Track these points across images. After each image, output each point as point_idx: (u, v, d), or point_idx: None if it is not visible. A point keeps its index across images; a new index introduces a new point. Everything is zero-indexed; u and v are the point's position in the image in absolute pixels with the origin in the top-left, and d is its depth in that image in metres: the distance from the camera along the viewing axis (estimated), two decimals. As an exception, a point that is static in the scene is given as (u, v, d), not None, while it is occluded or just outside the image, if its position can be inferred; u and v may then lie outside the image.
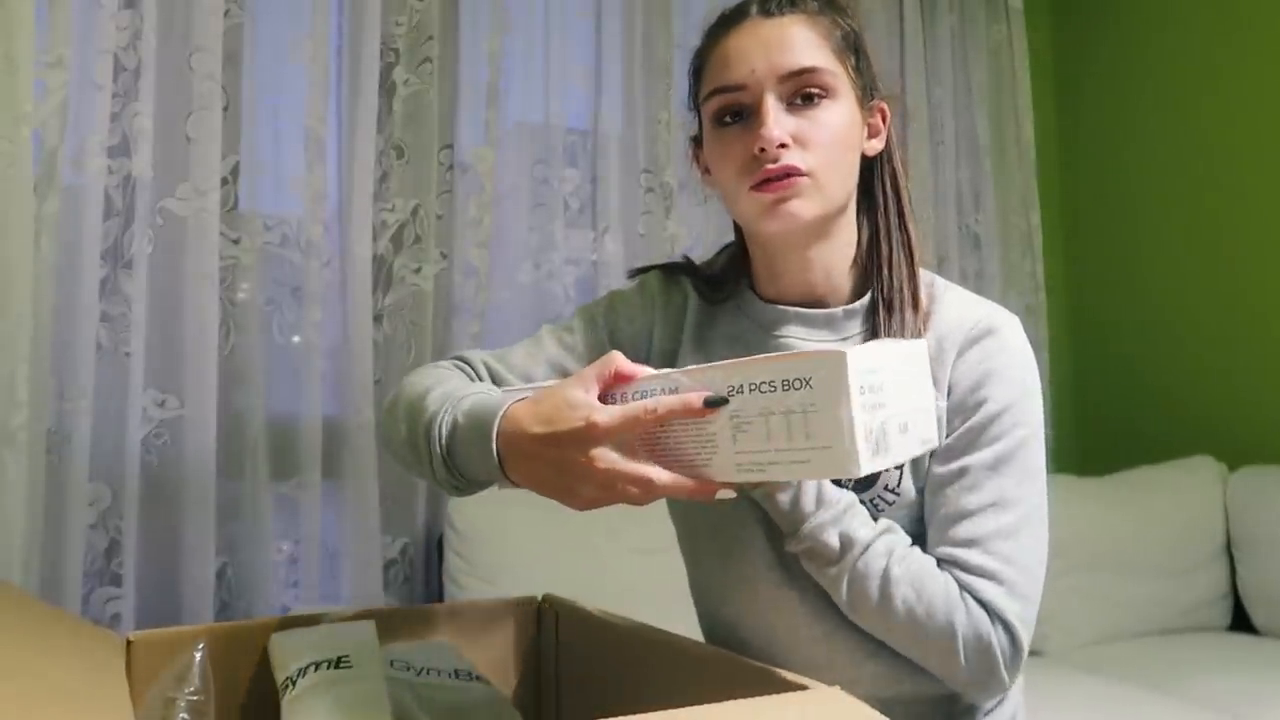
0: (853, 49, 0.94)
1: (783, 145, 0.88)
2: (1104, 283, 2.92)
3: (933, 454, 0.91)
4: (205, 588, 1.88)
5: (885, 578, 0.86)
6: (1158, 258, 2.76)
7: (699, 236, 2.42)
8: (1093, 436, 2.93)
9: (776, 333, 0.97)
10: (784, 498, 0.88)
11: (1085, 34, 2.99)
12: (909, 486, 0.91)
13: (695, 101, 0.99)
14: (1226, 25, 2.59)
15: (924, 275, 0.96)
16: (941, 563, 0.89)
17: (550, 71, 2.32)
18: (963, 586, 0.87)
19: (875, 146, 0.97)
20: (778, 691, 0.65)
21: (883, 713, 0.59)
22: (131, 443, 1.84)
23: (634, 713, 0.56)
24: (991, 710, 0.98)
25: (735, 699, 0.62)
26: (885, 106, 0.97)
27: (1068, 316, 2.98)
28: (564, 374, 0.99)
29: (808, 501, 0.87)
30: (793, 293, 0.97)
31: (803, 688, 0.66)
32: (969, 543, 0.88)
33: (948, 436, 0.91)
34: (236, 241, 2.00)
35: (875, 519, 0.91)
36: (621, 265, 2.34)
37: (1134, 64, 2.84)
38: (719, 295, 1.03)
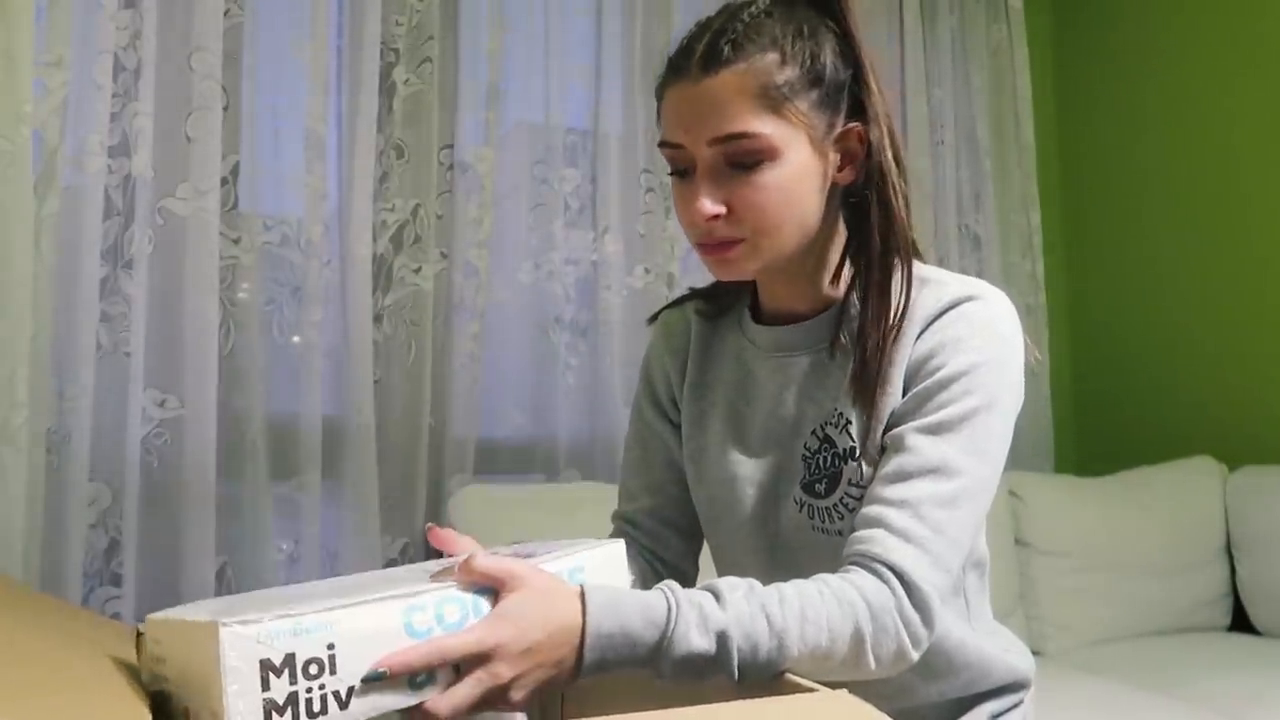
0: (808, 83, 0.87)
1: (715, 217, 0.88)
2: (1104, 283, 2.92)
3: (886, 427, 0.89)
4: (205, 588, 1.87)
5: (775, 631, 0.76)
6: (1157, 257, 2.76)
7: (699, 236, 2.42)
8: (1093, 436, 2.93)
9: (772, 354, 0.99)
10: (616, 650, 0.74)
11: (1085, 34, 2.99)
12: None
13: None
14: (1227, 25, 2.59)
15: (914, 268, 0.93)
16: (863, 525, 0.84)
17: (550, 71, 2.31)
18: (874, 556, 0.81)
19: (847, 177, 0.92)
20: (784, 694, 0.65)
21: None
22: (131, 443, 1.84)
23: (637, 711, 0.56)
24: (1003, 714, 0.98)
25: (741, 700, 0.62)
26: (862, 130, 0.90)
27: (1068, 316, 2.98)
28: (677, 465, 1.07)
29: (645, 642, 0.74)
30: (783, 307, 0.99)
31: (810, 690, 0.66)
32: (901, 503, 0.83)
33: (900, 406, 0.89)
34: (236, 241, 1.99)
35: (843, 517, 0.90)
36: (622, 265, 2.34)
37: (1134, 64, 2.84)
38: (716, 309, 1.06)
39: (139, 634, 0.68)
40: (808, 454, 0.94)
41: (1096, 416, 2.93)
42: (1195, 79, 2.66)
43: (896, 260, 0.91)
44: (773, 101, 0.86)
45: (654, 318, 1.13)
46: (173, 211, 1.93)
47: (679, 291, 2.31)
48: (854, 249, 0.94)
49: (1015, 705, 1.01)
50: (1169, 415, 2.71)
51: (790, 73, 0.87)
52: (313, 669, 0.62)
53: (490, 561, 0.71)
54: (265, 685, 0.60)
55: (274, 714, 0.60)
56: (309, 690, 0.62)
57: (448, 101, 2.22)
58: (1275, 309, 2.47)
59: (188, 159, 1.93)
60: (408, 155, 2.17)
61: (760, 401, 0.99)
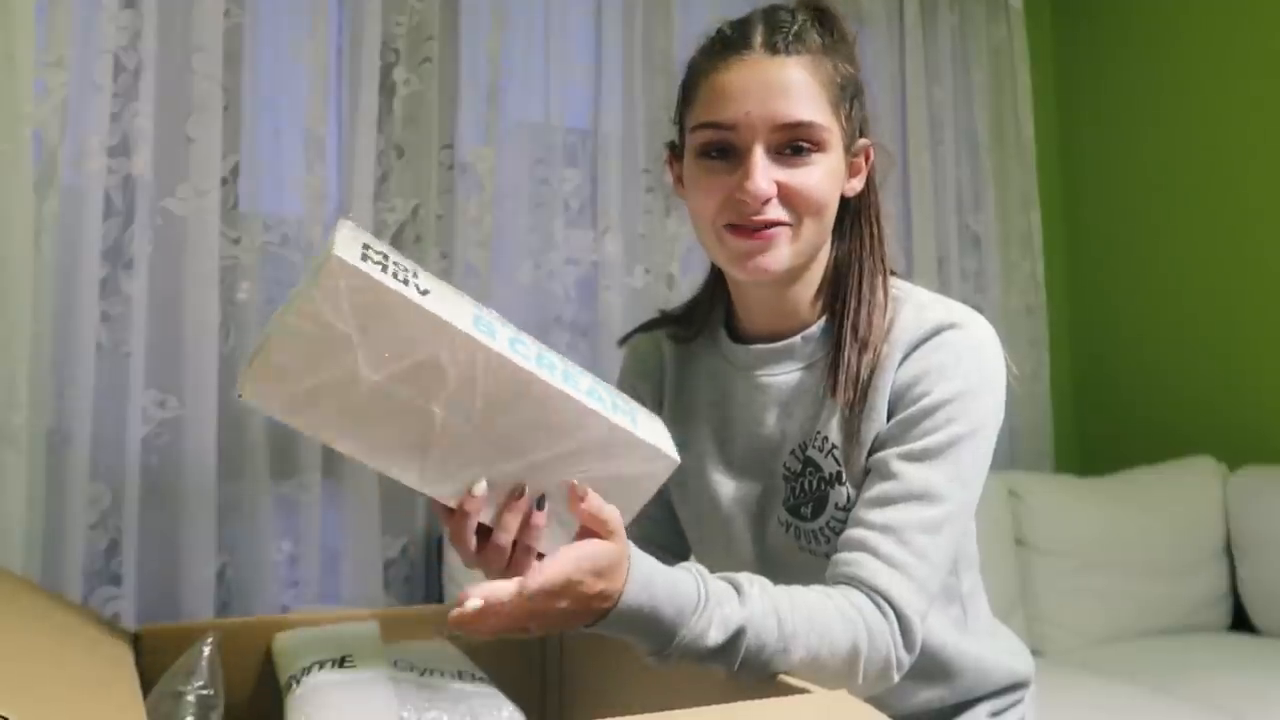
0: (849, 97, 0.91)
1: (767, 200, 0.87)
2: (1104, 282, 2.92)
3: (870, 450, 0.89)
4: (205, 587, 1.87)
5: (785, 635, 0.77)
6: (1157, 257, 2.76)
7: (699, 236, 2.41)
8: (1093, 436, 2.93)
9: (750, 373, 0.98)
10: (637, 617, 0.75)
11: (1085, 34, 2.99)
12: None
13: (680, 117, 0.98)
14: (1228, 24, 2.59)
15: (890, 286, 0.95)
16: (848, 548, 0.85)
17: (550, 71, 2.31)
18: (862, 580, 0.82)
19: (855, 187, 0.95)
20: (782, 694, 0.65)
21: None
22: (131, 443, 1.84)
23: (636, 713, 0.56)
24: (1002, 713, 0.98)
25: (741, 701, 0.62)
26: (870, 148, 0.95)
27: (1068, 316, 2.98)
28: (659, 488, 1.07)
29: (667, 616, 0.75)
30: (763, 326, 0.98)
31: (806, 691, 0.66)
32: (884, 529, 0.84)
33: (885, 431, 0.89)
34: (236, 241, 1.99)
35: (829, 540, 0.90)
36: (621, 265, 2.33)
37: (1134, 63, 2.84)
38: (689, 333, 1.05)
39: (136, 636, 0.68)
40: (789, 474, 0.94)
41: (1096, 416, 2.93)
42: (1195, 78, 2.66)
43: (878, 281, 0.92)
44: (834, 97, 0.89)
45: (624, 340, 1.12)
46: (173, 211, 1.93)
47: (679, 292, 2.32)
48: (834, 268, 0.95)
49: (1014, 704, 1.01)
50: (1169, 415, 2.71)
51: (846, 76, 0.90)
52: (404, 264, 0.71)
53: (609, 512, 0.73)
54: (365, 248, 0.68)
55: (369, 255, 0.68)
56: (397, 262, 0.70)
57: (448, 101, 2.22)
58: (1276, 308, 2.47)
59: (188, 159, 1.93)
60: (408, 155, 2.17)
61: (740, 422, 0.99)
